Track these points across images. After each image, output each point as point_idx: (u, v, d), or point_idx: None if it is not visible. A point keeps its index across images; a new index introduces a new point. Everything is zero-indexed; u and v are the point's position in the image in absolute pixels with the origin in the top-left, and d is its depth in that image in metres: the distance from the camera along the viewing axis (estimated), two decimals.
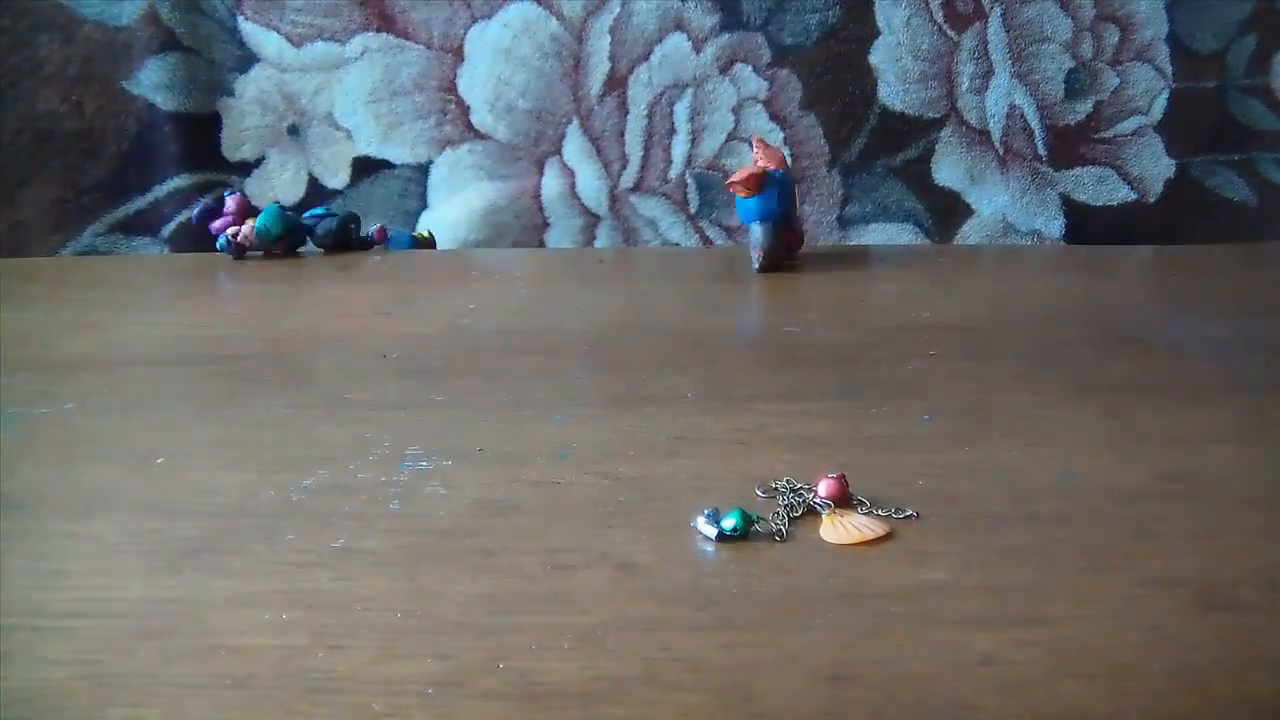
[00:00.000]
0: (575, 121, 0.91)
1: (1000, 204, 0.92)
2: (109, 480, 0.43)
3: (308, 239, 0.82)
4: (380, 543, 0.38)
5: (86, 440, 0.47)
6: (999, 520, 0.39)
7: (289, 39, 0.89)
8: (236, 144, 0.90)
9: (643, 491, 0.42)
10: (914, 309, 0.65)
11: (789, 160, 0.81)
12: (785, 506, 0.40)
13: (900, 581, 0.35)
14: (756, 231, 0.74)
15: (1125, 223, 0.92)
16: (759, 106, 0.91)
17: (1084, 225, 0.92)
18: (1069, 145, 0.92)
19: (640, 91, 0.90)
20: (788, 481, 0.41)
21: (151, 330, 0.63)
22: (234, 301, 0.72)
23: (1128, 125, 0.92)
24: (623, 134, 0.91)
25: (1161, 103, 0.91)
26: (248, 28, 0.89)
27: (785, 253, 0.75)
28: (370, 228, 0.85)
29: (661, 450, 0.45)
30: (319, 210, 0.83)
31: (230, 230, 0.79)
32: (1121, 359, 0.56)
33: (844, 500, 0.40)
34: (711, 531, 0.38)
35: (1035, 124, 0.91)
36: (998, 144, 0.92)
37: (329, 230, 0.81)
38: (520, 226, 0.92)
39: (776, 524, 0.39)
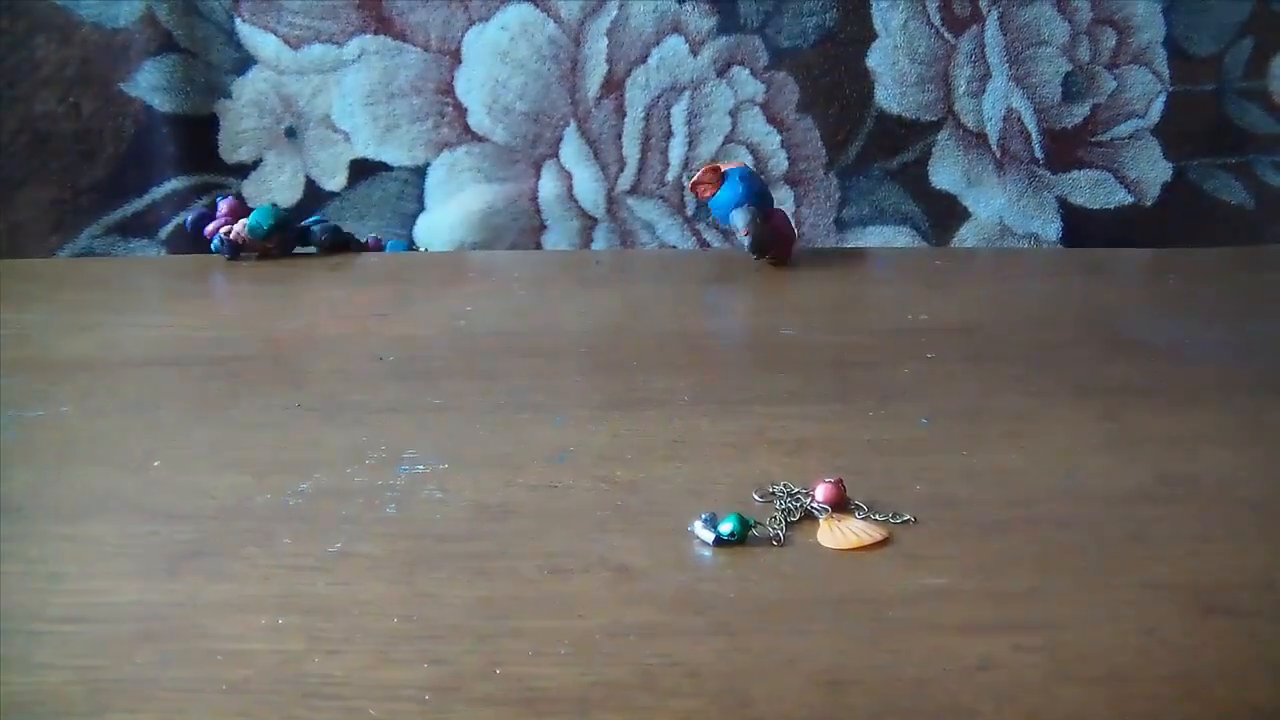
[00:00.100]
0: (573, 124, 0.91)
1: (997, 207, 0.92)
2: (106, 483, 0.43)
3: (303, 240, 0.82)
4: (377, 547, 0.38)
5: (83, 442, 0.47)
6: (997, 524, 0.39)
7: (286, 41, 0.89)
8: (234, 146, 0.90)
9: (640, 495, 0.42)
10: (911, 312, 0.65)
11: (753, 166, 0.81)
12: (783, 511, 0.40)
13: (898, 586, 0.35)
14: (735, 218, 0.74)
15: (1122, 226, 0.92)
16: (756, 109, 0.91)
17: (1081, 228, 0.92)
18: (1066, 148, 0.92)
19: (638, 94, 0.90)
20: (785, 486, 0.41)
21: (149, 332, 0.63)
22: (231, 303, 0.72)
23: (1125, 128, 0.92)
24: (620, 136, 0.91)
25: (1159, 106, 0.91)
26: (245, 30, 0.89)
27: (774, 236, 0.75)
28: (366, 237, 0.85)
29: (659, 454, 0.45)
30: (312, 220, 0.83)
31: (224, 229, 0.78)
32: (1119, 362, 0.56)
33: (841, 505, 0.40)
34: (709, 536, 0.38)
35: (1032, 127, 0.91)
36: (995, 147, 0.92)
37: (327, 230, 0.81)
38: (517, 229, 0.92)
39: (774, 529, 0.38)
